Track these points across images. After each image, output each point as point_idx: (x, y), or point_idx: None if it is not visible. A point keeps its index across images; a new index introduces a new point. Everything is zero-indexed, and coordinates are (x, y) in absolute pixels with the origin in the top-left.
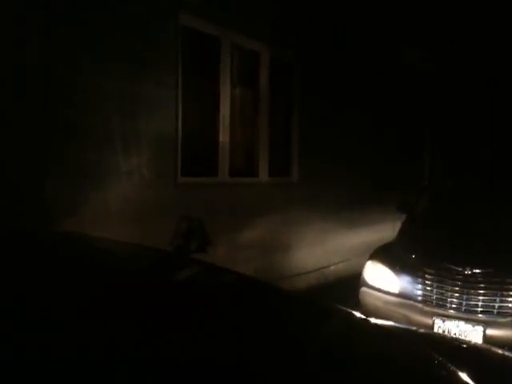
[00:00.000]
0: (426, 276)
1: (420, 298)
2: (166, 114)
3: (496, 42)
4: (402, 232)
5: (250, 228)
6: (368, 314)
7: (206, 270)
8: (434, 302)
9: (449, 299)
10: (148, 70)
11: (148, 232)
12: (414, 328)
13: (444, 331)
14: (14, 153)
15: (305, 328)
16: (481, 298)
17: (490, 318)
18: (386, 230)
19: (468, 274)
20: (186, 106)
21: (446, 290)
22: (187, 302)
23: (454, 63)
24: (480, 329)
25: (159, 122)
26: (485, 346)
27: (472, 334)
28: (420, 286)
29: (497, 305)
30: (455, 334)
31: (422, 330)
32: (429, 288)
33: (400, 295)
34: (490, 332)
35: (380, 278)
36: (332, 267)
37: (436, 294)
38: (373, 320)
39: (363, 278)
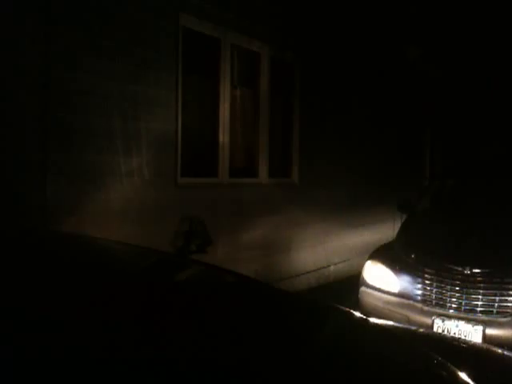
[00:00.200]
0: (426, 276)
1: (420, 298)
2: (166, 114)
3: (496, 42)
4: (401, 232)
5: (250, 228)
6: (368, 313)
7: (206, 271)
8: (434, 301)
9: (448, 299)
10: (148, 71)
11: (148, 232)
12: (414, 328)
13: (443, 331)
14: (15, 153)
15: (305, 328)
16: (480, 297)
17: (490, 317)
18: (386, 230)
19: (468, 274)
20: (186, 106)
21: (446, 290)
22: (187, 303)
23: (454, 63)
24: (480, 328)
25: (159, 123)
26: (484, 345)
27: (472, 333)
28: (420, 286)
29: (496, 304)
30: (455, 334)
31: (421, 330)
32: (428, 288)
33: (400, 295)
34: (490, 332)
35: (380, 277)
36: (332, 267)
37: (436, 293)
38: (372, 320)
39: (363, 278)
